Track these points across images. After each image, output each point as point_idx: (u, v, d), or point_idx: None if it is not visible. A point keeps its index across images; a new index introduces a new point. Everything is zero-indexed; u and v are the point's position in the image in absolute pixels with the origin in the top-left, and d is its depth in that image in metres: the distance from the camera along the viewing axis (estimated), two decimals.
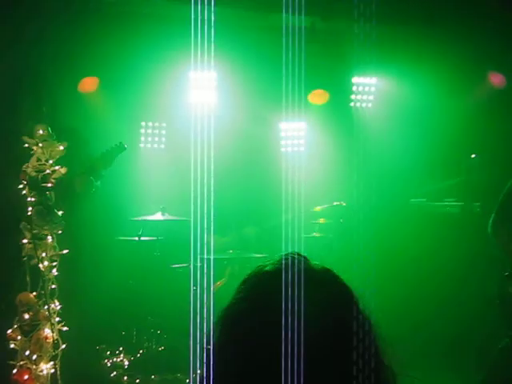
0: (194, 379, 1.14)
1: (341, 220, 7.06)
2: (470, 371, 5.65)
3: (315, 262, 1.25)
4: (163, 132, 7.35)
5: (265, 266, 1.23)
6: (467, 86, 7.50)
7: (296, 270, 1.15)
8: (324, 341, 1.13)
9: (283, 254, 1.22)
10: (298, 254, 1.22)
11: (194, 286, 3.07)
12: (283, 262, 1.19)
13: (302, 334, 1.07)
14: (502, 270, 4.61)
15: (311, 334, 1.11)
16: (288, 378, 1.07)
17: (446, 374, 5.95)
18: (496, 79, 7.39)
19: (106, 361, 5.84)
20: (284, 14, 1.32)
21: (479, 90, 7.52)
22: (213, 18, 1.31)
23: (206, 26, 1.29)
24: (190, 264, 5.24)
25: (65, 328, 4.76)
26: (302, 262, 1.20)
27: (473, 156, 7.52)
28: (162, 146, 7.37)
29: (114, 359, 5.85)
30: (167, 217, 6.19)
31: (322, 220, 7.05)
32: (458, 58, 6.90)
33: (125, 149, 5.15)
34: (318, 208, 7.02)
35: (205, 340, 1.15)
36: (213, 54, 1.31)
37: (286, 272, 1.14)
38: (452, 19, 6.25)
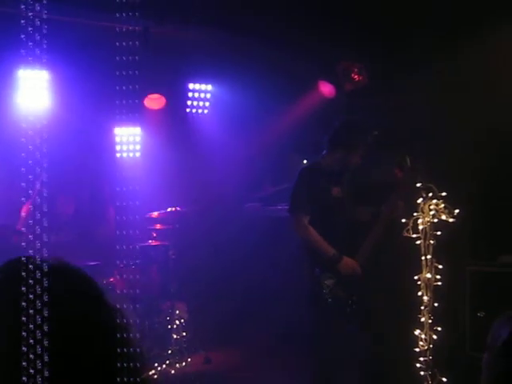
0: None
1: (176, 225, 7.05)
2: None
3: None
4: None
5: None
6: (299, 93, 7.79)
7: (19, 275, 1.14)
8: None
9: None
10: (27, 258, 1.19)
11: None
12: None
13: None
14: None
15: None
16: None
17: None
18: (325, 88, 7.73)
19: None
20: (117, 15, 1.29)
21: (310, 98, 7.84)
22: (44, 15, 1.25)
23: (36, 23, 1.22)
24: None
25: None
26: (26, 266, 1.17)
27: (304, 162, 7.83)
28: None
29: None
30: None
31: (158, 226, 6.99)
32: (291, 66, 7.14)
33: None
34: (154, 214, 6.95)
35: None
36: (44, 52, 1.24)
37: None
38: (285, 30, 6.45)
